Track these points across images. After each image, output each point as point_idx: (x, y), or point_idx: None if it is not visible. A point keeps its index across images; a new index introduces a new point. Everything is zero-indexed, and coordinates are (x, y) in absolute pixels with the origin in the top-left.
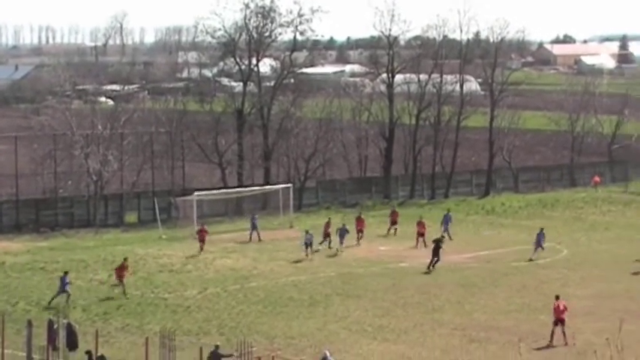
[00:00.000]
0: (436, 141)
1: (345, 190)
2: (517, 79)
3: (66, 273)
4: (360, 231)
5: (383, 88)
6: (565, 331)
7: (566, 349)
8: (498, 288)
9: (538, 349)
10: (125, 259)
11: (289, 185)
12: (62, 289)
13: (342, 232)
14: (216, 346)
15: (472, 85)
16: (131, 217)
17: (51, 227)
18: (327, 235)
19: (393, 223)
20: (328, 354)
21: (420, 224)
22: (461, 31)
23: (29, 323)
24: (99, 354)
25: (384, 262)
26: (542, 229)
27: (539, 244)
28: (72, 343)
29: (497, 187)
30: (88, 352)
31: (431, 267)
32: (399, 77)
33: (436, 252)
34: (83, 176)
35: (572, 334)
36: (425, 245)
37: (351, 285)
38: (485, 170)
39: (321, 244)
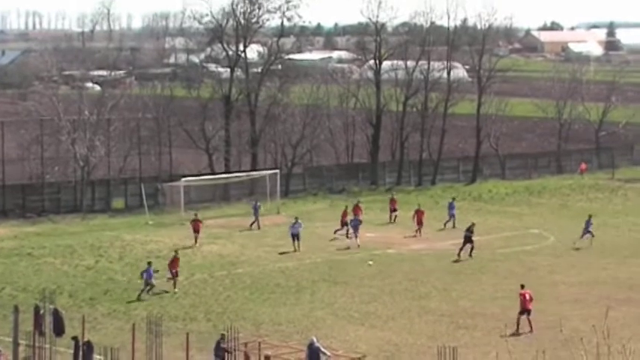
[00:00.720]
0: (423, 127)
1: (332, 177)
2: (504, 66)
3: (149, 264)
4: (345, 224)
5: (370, 74)
6: (530, 318)
7: (553, 336)
8: (485, 275)
9: (524, 335)
10: (176, 252)
11: (276, 171)
12: (148, 280)
13: (356, 223)
14: (222, 335)
15: (459, 71)
16: (118, 202)
17: (37, 212)
18: (344, 224)
19: (393, 210)
20: (315, 340)
21: (420, 212)
22: (448, 17)
23: (16, 309)
24: (85, 339)
25: (370, 248)
26: (590, 217)
27: (587, 230)
28: (58, 329)
29: (484, 173)
30: (75, 338)
31: (471, 254)
32: (386, 64)
33: (469, 239)
34: (70, 162)
35: (559, 320)
36: (420, 234)
37: (338, 271)
38: (472, 157)
39: (336, 232)
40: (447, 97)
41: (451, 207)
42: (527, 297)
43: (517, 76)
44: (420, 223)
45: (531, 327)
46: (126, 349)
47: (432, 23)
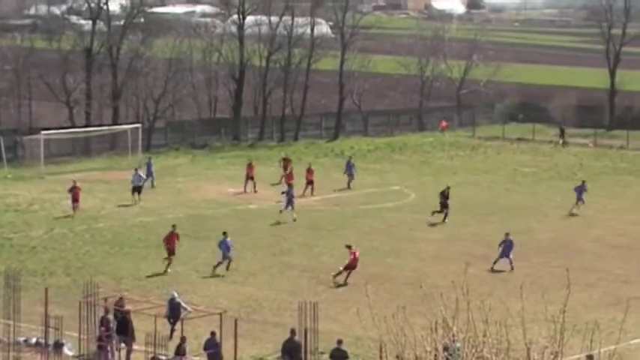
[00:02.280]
0: (286, 83)
1: (194, 131)
2: (368, 23)
3: (225, 234)
4: (251, 178)
5: (234, 29)
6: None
7: (412, 292)
8: (347, 231)
9: (385, 291)
10: (174, 226)
11: (138, 125)
12: (225, 253)
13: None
14: (121, 297)
15: (323, 27)
16: None
17: None
18: (310, 182)
19: (285, 169)
20: (176, 295)
21: (309, 172)
22: None
23: None
24: None
25: (232, 203)
26: (583, 182)
27: (580, 197)
28: None
29: (347, 130)
30: None
31: (445, 219)
32: (250, 19)
33: (444, 204)
34: None
35: (419, 276)
36: (312, 194)
37: (200, 227)
38: (334, 113)
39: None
40: (310, 53)
41: (349, 166)
42: (357, 256)
43: (380, 33)
44: (309, 182)
45: (346, 281)
46: None
47: None
